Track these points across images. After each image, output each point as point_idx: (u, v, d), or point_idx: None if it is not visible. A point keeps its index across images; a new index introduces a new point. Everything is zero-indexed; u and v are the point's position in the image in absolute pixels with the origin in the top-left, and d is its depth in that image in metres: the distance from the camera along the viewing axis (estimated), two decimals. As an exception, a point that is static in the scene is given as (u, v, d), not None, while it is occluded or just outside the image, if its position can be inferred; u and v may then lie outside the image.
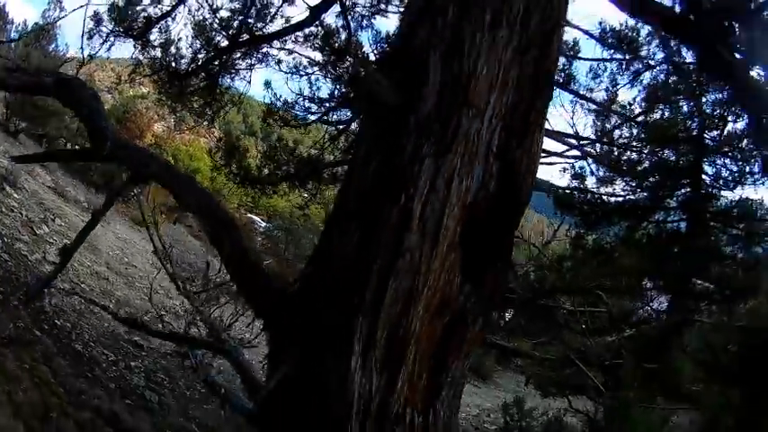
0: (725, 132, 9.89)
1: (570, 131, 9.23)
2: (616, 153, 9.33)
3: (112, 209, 17.03)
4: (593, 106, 8.82)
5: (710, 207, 10.13)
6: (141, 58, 7.51)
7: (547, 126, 8.18)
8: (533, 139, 3.23)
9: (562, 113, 9.34)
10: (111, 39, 7.19)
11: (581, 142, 9.00)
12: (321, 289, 3.21)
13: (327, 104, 8.61)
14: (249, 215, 33.34)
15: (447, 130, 2.90)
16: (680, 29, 4.89)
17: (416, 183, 2.88)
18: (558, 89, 8.41)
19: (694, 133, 10.13)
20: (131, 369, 8.72)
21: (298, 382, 3.09)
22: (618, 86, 8.93)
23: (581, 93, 8.65)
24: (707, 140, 10.37)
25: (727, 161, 9.71)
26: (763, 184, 9.60)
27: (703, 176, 10.24)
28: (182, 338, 8.37)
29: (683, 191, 9.83)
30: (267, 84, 10.12)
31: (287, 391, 3.28)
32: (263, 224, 33.50)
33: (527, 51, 3.10)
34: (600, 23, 8.32)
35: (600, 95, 8.95)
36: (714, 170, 9.54)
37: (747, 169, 9.51)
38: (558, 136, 9.09)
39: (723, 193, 10.24)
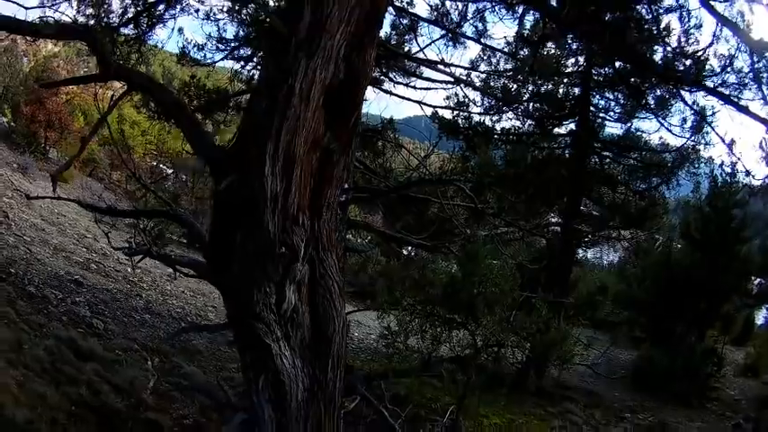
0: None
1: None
2: (500, 84, 9.79)
3: (35, 168, 17.63)
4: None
5: (598, 137, 10.79)
6: (79, 17, 7.95)
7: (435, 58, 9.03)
8: (367, 52, 5.01)
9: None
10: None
11: (458, 71, 9.48)
12: (245, 138, 4.95)
13: (232, 44, 9.33)
14: (154, 163, 32.60)
15: (313, 45, 4.62)
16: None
17: (296, 73, 4.56)
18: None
19: (581, 69, 10.81)
20: (77, 303, 9.83)
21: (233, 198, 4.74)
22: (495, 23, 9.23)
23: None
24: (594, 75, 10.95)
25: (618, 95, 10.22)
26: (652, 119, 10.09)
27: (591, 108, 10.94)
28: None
29: (569, 120, 10.41)
30: (180, 30, 10.80)
31: (223, 221, 4.93)
32: (169, 170, 32.66)
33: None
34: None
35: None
36: (603, 103, 9.96)
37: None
38: (439, 65, 9.51)
39: (612, 124, 10.96)
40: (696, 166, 10.11)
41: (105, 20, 8.08)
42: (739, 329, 18.01)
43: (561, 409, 10.98)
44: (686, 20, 7.33)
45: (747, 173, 8.16)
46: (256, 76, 8.74)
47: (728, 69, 7.00)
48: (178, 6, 8.85)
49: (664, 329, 14.24)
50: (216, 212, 5.10)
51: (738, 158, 8.33)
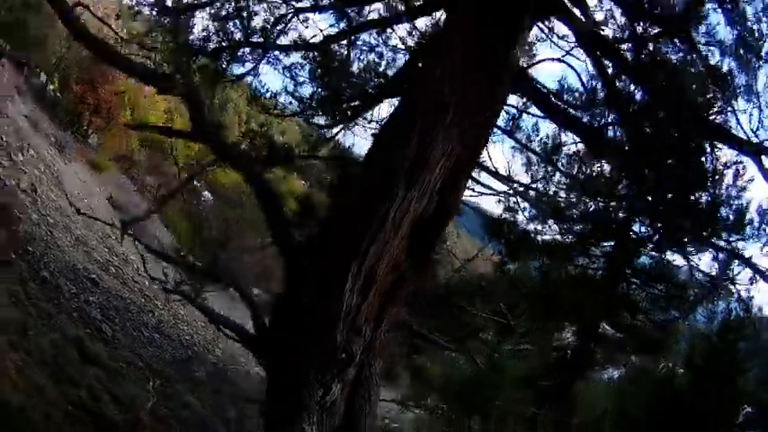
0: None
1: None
2: (550, 196, 9.91)
3: (73, 150, 17.56)
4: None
5: (632, 264, 10.96)
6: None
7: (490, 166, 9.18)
8: (459, 187, 5.31)
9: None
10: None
11: (514, 185, 9.66)
12: (327, 242, 5.03)
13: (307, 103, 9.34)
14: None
15: (413, 178, 4.74)
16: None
17: (393, 201, 4.67)
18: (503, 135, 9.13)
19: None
20: (89, 303, 9.65)
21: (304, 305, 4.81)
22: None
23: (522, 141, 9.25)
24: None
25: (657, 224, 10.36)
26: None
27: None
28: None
29: (608, 243, 10.56)
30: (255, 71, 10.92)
31: (289, 312, 4.99)
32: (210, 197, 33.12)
33: (463, 138, 4.93)
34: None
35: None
36: (643, 230, 10.10)
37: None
38: (498, 176, 9.76)
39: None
40: (715, 304, 10.27)
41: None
42: None
43: None
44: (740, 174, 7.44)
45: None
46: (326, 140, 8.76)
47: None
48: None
49: None
50: (281, 303, 5.18)
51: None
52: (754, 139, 5.56)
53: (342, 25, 6.90)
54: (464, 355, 9.41)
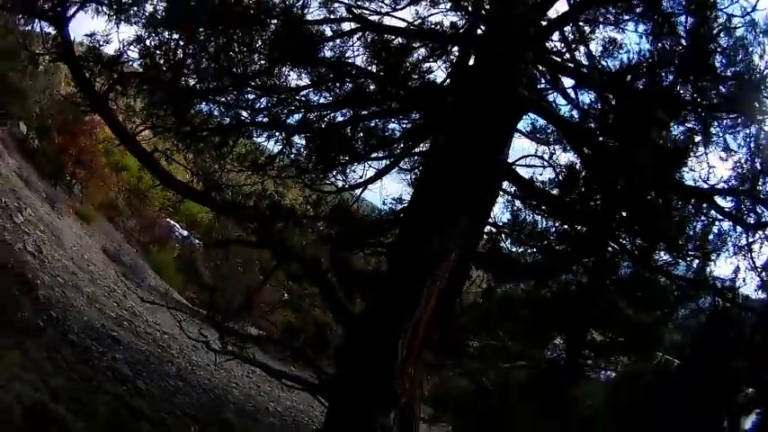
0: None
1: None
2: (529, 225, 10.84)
3: (62, 203, 18.10)
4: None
5: (612, 276, 11.91)
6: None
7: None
8: (468, 265, 7.41)
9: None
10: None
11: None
12: (381, 315, 6.40)
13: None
14: (168, 220, 33.29)
15: (435, 269, 6.33)
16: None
17: (425, 287, 6.25)
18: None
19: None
20: (116, 360, 10.15)
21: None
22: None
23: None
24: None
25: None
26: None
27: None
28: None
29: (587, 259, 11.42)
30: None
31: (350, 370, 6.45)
32: (184, 233, 33.32)
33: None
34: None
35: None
36: (619, 244, 10.94)
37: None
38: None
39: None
40: (698, 303, 11.02)
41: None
42: None
43: None
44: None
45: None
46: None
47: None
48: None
49: None
50: (345, 359, 6.74)
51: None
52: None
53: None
54: (467, 376, 10.61)
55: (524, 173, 8.63)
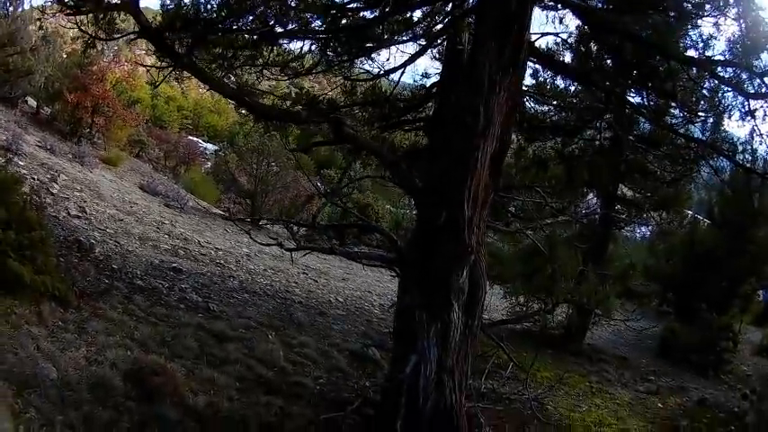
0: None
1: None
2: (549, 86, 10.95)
3: (90, 156, 18.52)
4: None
5: (633, 131, 12.04)
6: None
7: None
8: (510, 132, 7.25)
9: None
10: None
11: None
12: (445, 182, 6.84)
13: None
14: (191, 137, 33.85)
15: (487, 132, 6.64)
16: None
17: (479, 151, 6.61)
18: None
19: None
20: (184, 290, 10.65)
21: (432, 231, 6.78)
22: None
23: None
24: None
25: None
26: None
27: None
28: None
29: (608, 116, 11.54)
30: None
31: (424, 237, 6.94)
32: (211, 146, 33.82)
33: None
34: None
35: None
36: (638, 101, 10.94)
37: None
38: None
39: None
40: (715, 159, 11.09)
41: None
42: (760, 311, 19.62)
43: (597, 369, 12.79)
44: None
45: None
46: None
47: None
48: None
49: (687, 305, 15.91)
50: (417, 229, 7.22)
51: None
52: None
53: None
54: (513, 236, 11.23)
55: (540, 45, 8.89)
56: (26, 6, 19.38)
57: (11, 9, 18.10)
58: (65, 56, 22.37)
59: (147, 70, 8.58)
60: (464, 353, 6.91)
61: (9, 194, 7.91)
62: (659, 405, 10.91)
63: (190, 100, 37.02)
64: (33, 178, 13.58)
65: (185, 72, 7.34)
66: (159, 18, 6.79)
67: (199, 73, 7.25)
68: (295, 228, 9.65)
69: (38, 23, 17.37)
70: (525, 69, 7.45)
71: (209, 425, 6.38)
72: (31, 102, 22.29)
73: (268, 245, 9.32)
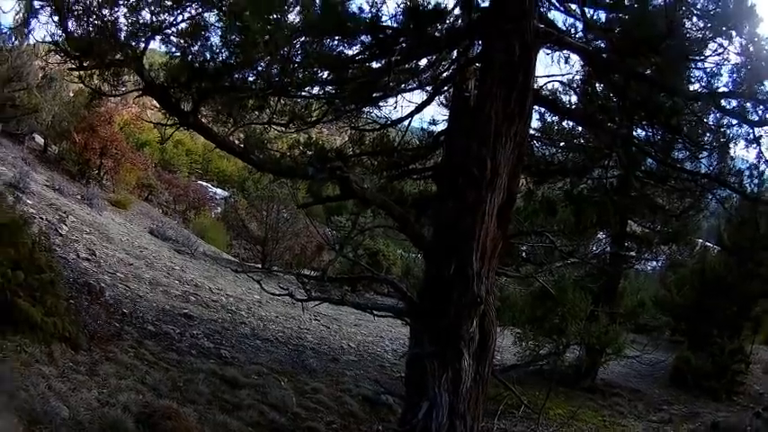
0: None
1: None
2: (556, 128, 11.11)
3: (99, 198, 18.61)
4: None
5: (641, 168, 12.13)
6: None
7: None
8: (518, 181, 7.38)
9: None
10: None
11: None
12: (452, 235, 6.84)
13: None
14: (200, 182, 34.06)
15: (494, 183, 6.66)
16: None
17: (486, 202, 6.61)
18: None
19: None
20: (196, 336, 10.66)
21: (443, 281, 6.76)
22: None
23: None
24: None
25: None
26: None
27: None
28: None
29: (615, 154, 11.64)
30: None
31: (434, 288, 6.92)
32: (221, 192, 34.01)
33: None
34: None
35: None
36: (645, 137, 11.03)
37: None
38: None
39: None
40: (722, 189, 11.14)
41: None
42: None
43: (610, 403, 12.70)
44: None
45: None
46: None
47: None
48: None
49: (699, 332, 15.77)
50: (427, 280, 7.22)
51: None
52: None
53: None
54: (524, 280, 11.25)
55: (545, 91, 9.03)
56: (31, 41, 19.28)
57: (16, 43, 17.51)
58: (71, 94, 22.21)
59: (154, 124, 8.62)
60: (475, 397, 6.93)
61: (18, 235, 7.80)
62: (672, 433, 10.69)
63: (199, 144, 37.29)
64: (42, 218, 13.54)
65: (191, 128, 7.46)
66: (162, 74, 6.87)
67: (204, 131, 7.40)
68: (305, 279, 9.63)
69: (43, 62, 17.32)
70: (531, 117, 7.52)
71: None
72: (39, 139, 22.43)
73: (279, 295, 9.34)
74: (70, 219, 14.87)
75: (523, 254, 10.43)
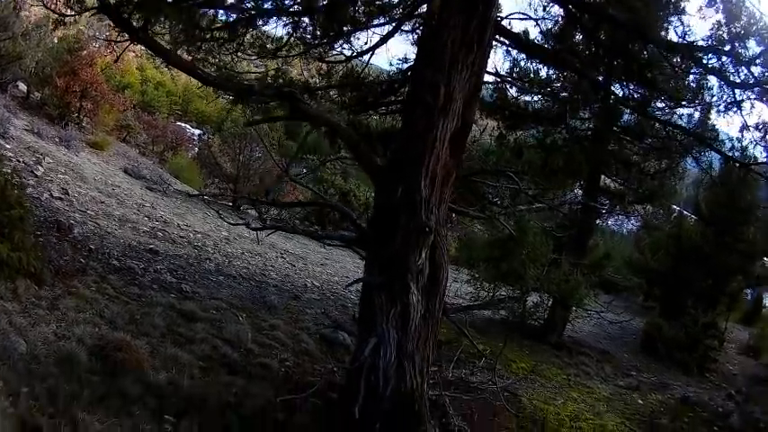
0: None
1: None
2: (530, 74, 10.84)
3: (77, 140, 18.45)
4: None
5: (617, 122, 11.98)
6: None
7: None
8: (473, 109, 7.11)
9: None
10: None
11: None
12: (402, 160, 6.79)
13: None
14: (179, 123, 33.72)
15: (447, 109, 6.51)
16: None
17: (437, 127, 6.55)
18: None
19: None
20: (159, 271, 10.63)
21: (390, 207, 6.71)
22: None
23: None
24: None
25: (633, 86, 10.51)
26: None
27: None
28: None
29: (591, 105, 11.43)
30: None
31: (382, 216, 6.86)
32: (197, 131, 33.79)
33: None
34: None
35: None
36: (622, 93, 10.57)
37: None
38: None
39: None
40: (703, 153, 10.93)
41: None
42: (749, 309, 19.64)
43: (576, 361, 12.75)
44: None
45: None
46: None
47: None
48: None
49: (673, 300, 15.96)
50: (376, 207, 7.21)
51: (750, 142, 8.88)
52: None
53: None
54: (487, 221, 11.06)
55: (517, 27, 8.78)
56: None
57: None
58: (56, 41, 21.89)
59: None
60: (425, 337, 6.80)
61: (-10, 175, 7.74)
62: (639, 401, 10.81)
63: (179, 85, 36.79)
64: (18, 161, 13.53)
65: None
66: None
67: (153, 47, 7.22)
68: (264, 209, 9.55)
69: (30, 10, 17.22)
70: (491, 47, 7.33)
71: (168, 401, 6.32)
72: (22, 86, 22.11)
73: (236, 224, 9.39)
74: (46, 160, 14.79)
75: (489, 196, 10.14)
